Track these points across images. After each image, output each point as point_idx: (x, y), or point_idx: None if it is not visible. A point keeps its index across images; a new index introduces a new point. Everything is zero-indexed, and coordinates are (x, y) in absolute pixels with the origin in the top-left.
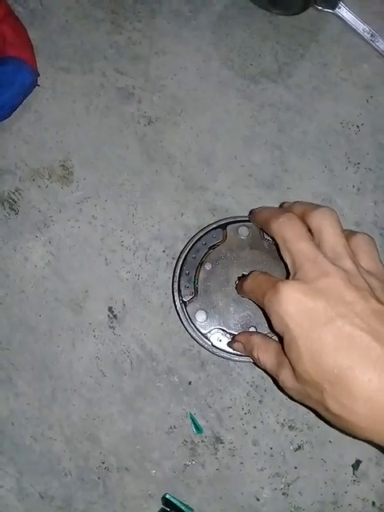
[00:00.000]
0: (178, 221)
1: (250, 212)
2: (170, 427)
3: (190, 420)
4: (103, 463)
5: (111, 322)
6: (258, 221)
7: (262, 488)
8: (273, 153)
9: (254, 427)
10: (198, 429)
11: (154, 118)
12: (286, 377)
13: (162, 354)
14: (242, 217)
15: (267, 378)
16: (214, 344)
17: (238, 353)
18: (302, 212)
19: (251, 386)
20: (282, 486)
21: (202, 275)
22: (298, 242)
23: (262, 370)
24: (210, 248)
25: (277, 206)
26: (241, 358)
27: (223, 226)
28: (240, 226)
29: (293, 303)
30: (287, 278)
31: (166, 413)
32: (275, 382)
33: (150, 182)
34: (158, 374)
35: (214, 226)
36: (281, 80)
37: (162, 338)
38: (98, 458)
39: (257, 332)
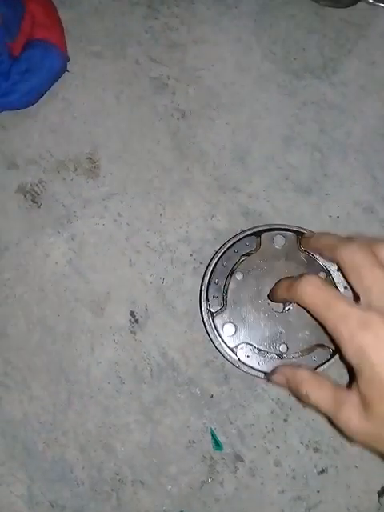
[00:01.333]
0: (208, 223)
1: (303, 235)
2: (189, 441)
3: (210, 435)
4: (117, 475)
5: (132, 327)
6: (317, 246)
7: (282, 511)
8: (312, 155)
9: (277, 447)
10: (219, 445)
11: (187, 111)
12: (351, 416)
13: (184, 364)
14: (278, 225)
15: (292, 397)
16: (241, 359)
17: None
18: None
19: (276, 403)
20: (303, 510)
21: (232, 285)
22: (375, 269)
23: (312, 407)
24: (242, 256)
25: (316, 212)
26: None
27: (258, 234)
28: (276, 235)
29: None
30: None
31: (186, 426)
32: (330, 421)
33: (181, 180)
34: (178, 384)
35: (248, 232)
36: (325, 76)
37: (185, 346)
38: (112, 469)
39: (302, 368)
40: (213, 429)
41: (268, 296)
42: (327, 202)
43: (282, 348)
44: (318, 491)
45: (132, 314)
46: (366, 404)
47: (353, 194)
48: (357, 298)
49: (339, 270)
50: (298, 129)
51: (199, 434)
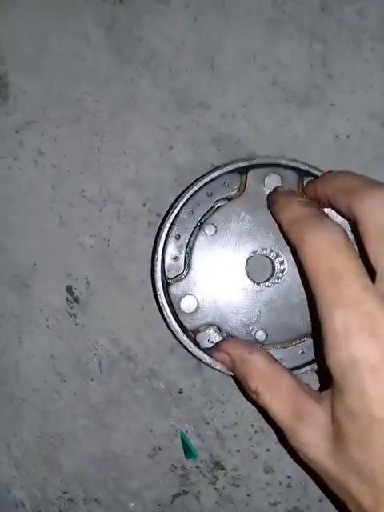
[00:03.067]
0: (166, 158)
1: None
2: (154, 449)
3: (180, 440)
4: (65, 493)
5: (71, 308)
6: (325, 192)
7: None
8: (311, 47)
9: (267, 450)
10: (191, 451)
11: None
12: (312, 441)
13: (143, 352)
14: (274, 158)
15: None
16: (202, 346)
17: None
18: None
19: None
20: None
21: (199, 242)
22: None
23: (257, 407)
24: (218, 201)
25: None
26: None
27: (243, 171)
28: (270, 173)
29: None
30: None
31: (148, 430)
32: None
33: (123, 97)
34: (136, 378)
35: (229, 168)
36: None
37: (143, 330)
38: (58, 487)
39: (260, 348)
40: (183, 432)
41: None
42: (332, 116)
43: (260, 335)
44: (320, 500)
45: (69, 290)
46: (337, 434)
47: (368, 103)
48: (371, 273)
49: (354, 231)
50: (290, 7)
51: (166, 438)
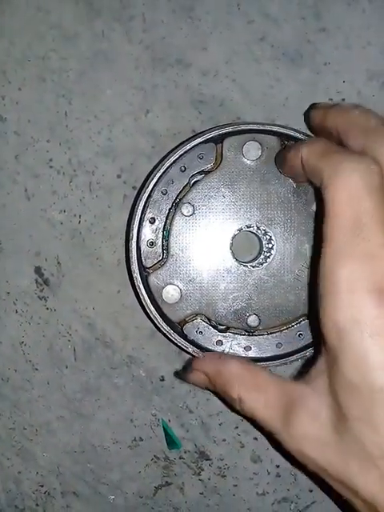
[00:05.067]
0: (142, 123)
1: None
2: (134, 439)
3: (163, 430)
4: (42, 486)
5: (41, 291)
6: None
7: None
8: None
9: (255, 439)
10: (174, 442)
11: None
12: (306, 427)
13: (121, 338)
14: (250, 123)
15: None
16: (189, 338)
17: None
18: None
19: None
20: None
21: (176, 224)
22: None
23: (245, 416)
24: (193, 177)
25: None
26: None
27: (217, 140)
28: (247, 141)
29: None
30: None
31: (128, 420)
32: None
33: (93, 54)
34: (114, 365)
35: (201, 138)
36: None
37: (120, 313)
38: (33, 480)
39: (232, 356)
40: (166, 421)
41: (275, 160)
42: (326, 76)
43: (252, 320)
44: (311, 490)
45: (38, 271)
46: (336, 413)
47: (366, 59)
48: None
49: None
50: None
51: (147, 428)
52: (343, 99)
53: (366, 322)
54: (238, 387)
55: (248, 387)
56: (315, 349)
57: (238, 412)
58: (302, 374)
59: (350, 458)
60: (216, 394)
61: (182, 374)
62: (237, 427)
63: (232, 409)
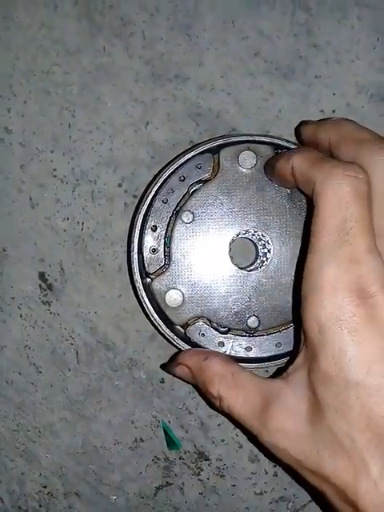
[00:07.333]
0: (142, 134)
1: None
2: (135, 440)
3: (163, 431)
4: (45, 487)
5: (45, 296)
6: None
7: None
8: (295, 15)
9: None
10: (175, 442)
11: None
12: (281, 420)
13: (122, 341)
14: (244, 135)
15: (271, 371)
16: (193, 340)
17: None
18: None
19: None
20: None
21: (177, 231)
22: None
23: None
24: (192, 186)
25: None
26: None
27: (214, 150)
28: (243, 151)
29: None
30: None
31: (129, 421)
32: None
33: (95, 68)
34: (116, 368)
35: (199, 149)
36: None
37: (121, 317)
38: (37, 481)
39: (216, 353)
40: (166, 422)
41: (264, 168)
42: (317, 89)
43: (252, 322)
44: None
45: (42, 277)
46: (312, 405)
47: (355, 74)
48: None
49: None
50: None
51: (148, 430)
52: (334, 111)
53: (345, 320)
54: (217, 384)
55: (228, 386)
56: (293, 350)
57: (217, 409)
58: (281, 372)
59: (322, 448)
60: (196, 388)
61: (167, 366)
62: (235, 428)
63: (211, 405)
